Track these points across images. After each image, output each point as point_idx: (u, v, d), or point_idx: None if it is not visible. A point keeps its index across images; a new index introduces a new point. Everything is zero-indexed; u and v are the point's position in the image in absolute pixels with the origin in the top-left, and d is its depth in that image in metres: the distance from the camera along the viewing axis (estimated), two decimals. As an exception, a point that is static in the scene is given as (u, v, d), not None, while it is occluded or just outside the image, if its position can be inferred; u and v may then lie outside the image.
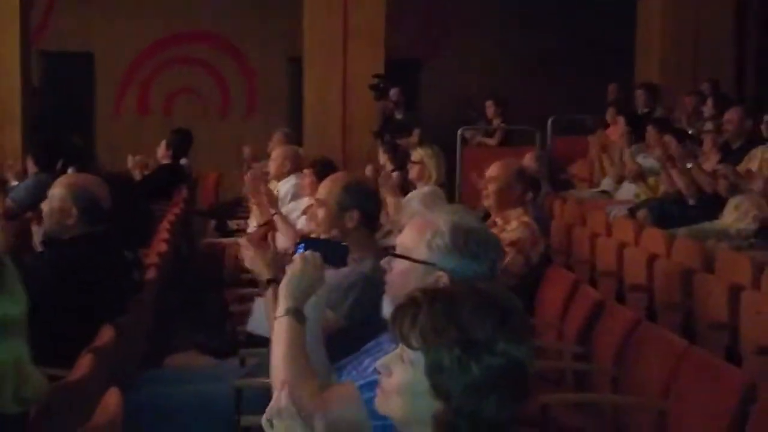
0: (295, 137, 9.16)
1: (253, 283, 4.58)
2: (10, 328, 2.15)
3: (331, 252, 2.73)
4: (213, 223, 8.21)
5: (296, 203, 6.42)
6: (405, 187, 6.86)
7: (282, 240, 5.15)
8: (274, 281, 3.07)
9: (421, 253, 2.39)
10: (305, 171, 6.30)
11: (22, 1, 10.46)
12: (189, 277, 6.36)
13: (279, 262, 3.18)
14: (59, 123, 10.83)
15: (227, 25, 13.28)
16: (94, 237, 3.96)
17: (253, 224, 6.26)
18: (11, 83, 10.40)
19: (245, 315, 4.63)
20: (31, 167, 7.63)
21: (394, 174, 7.11)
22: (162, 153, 8.53)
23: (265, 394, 2.42)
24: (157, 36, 13.25)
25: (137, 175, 8.35)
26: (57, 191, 3.98)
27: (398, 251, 2.45)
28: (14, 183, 7.98)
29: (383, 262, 2.50)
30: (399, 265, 2.43)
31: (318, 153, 7.82)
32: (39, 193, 7.10)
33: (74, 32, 12.87)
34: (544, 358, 4.32)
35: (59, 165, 7.71)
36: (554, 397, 3.86)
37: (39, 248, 4.36)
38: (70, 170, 7.53)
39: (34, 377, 2.18)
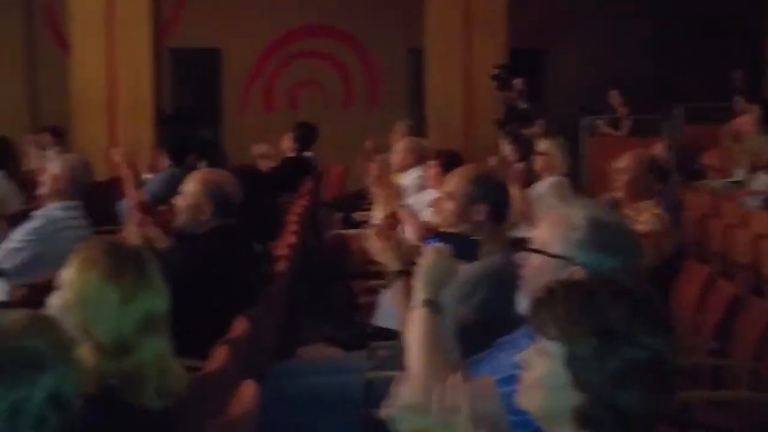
0: (418, 128, 9.17)
1: (380, 275, 4.59)
2: (154, 324, 2.20)
3: (461, 246, 2.72)
4: (338, 214, 8.28)
5: (420, 195, 6.40)
6: (529, 179, 6.78)
7: (408, 232, 5.14)
8: (403, 273, 3.07)
9: (557, 247, 2.35)
10: (430, 162, 6.28)
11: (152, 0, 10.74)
12: (316, 269, 6.42)
13: (407, 255, 3.17)
14: (189, 118, 11.10)
15: (349, 17, 13.36)
16: (226, 231, 4.04)
17: (377, 216, 6.27)
18: (143, 80, 10.69)
19: (373, 307, 4.65)
20: (164, 161, 7.84)
21: (519, 165, 7.02)
22: (287, 146, 8.65)
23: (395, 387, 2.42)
24: (282, 31, 13.43)
25: (262, 166, 8.48)
26: (191, 187, 4.07)
27: (533, 246, 2.42)
28: (147, 176, 8.20)
29: (517, 257, 2.47)
30: (534, 259, 2.39)
31: (441, 144, 7.80)
32: (172, 187, 7.29)
33: (202, 29, 13.15)
34: (680, 354, 4.21)
35: (190, 159, 7.91)
36: (694, 395, 3.76)
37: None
38: (200, 164, 7.71)
39: (175, 371, 2.23)
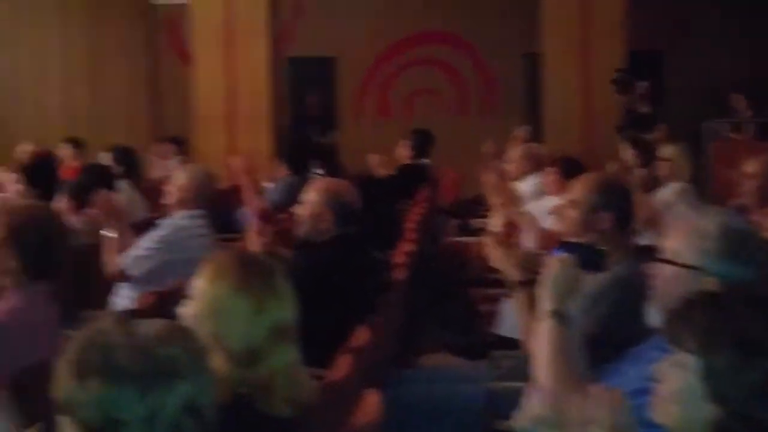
0: (534, 134, 9.08)
1: (500, 283, 4.55)
2: (283, 333, 2.23)
3: (588, 256, 2.67)
4: (455, 222, 8.26)
5: (539, 202, 6.34)
6: (652, 185, 6.64)
7: (527, 239, 5.10)
8: (525, 283, 3.04)
9: (689, 257, 2.30)
10: (548, 169, 6.21)
11: (270, 9, 10.91)
12: (433, 277, 6.41)
13: (528, 263, 3.14)
14: (306, 127, 11.23)
15: (463, 23, 13.34)
16: (346, 239, 4.07)
17: (495, 223, 6.23)
18: (261, 90, 10.87)
19: (493, 316, 4.62)
20: (282, 170, 7.95)
21: (641, 171, 6.89)
22: (403, 153, 8.68)
23: (519, 398, 2.40)
24: (396, 38, 13.49)
25: (379, 175, 8.51)
26: (312, 196, 4.11)
27: (663, 256, 2.37)
28: (266, 185, 8.33)
29: (646, 267, 2.42)
30: (665, 270, 2.34)
31: (558, 150, 7.71)
32: (290, 195, 7.41)
33: (318, 38, 13.30)
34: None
35: (308, 167, 8.01)
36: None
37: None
38: (318, 172, 7.79)
39: (304, 380, 2.25)
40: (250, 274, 2.28)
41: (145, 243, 4.97)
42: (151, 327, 1.64)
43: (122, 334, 1.60)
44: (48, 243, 3.22)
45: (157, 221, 5.36)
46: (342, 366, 3.07)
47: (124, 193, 6.85)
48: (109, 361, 1.57)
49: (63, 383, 1.59)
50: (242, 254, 2.37)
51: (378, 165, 8.61)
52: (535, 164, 6.82)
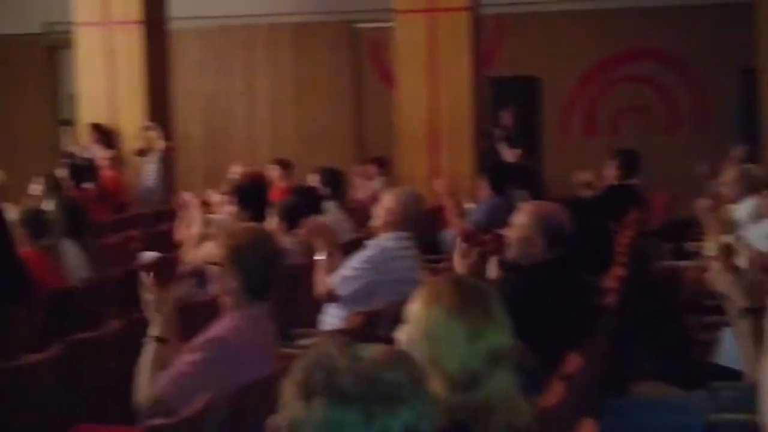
0: (751, 154, 8.68)
1: (718, 309, 4.35)
2: (500, 358, 2.19)
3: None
4: (667, 245, 7.99)
5: (757, 226, 6.05)
6: None
7: (743, 266, 4.86)
8: (752, 310, 2.88)
9: None
10: (766, 192, 5.92)
11: (472, 30, 10.93)
12: (646, 302, 6.21)
13: (754, 290, 2.98)
14: (508, 147, 11.14)
15: (675, 39, 12.93)
16: (556, 263, 3.98)
17: (710, 247, 5.98)
18: (464, 111, 10.88)
19: (710, 344, 4.41)
20: (485, 190, 7.92)
21: None
22: (611, 173, 8.47)
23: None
24: (602, 55, 13.22)
25: (584, 194, 8.35)
26: (523, 219, 4.05)
27: None
28: (469, 206, 8.32)
29: None
30: None
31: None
32: (494, 216, 7.39)
33: (521, 57, 13.22)
34: None
35: (511, 188, 7.94)
36: None
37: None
38: (521, 194, 7.72)
39: (521, 406, 2.20)
40: (465, 298, 2.25)
41: (353, 263, 5.04)
42: (374, 351, 1.64)
43: (346, 357, 1.61)
44: (267, 264, 3.31)
45: (364, 242, 5.43)
46: (555, 393, 3.00)
47: (331, 214, 7.00)
48: (333, 384, 1.58)
49: (289, 403, 1.61)
50: (457, 278, 2.34)
51: (584, 185, 8.44)
52: (751, 186, 6.51)
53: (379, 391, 1.58)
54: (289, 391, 1.61)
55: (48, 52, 14.64)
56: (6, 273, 5.15)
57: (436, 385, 2.14)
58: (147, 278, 3.31)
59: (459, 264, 4.37)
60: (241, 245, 3.30)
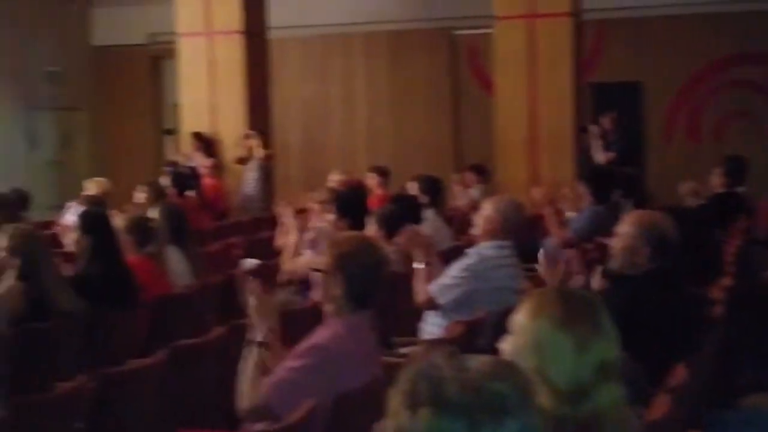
0: None
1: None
2: (608, 370, 2.15)
3: None
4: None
5: None
6: None
7: None
8: None
9: None
10: None
11: (573, 36, 10.79)
12: (753, 313, 6.05)
13: None
14: (605, 149, 10.96)
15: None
16: (662, 273, 3.91)
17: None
18: (564, 117, 10.75)
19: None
20: (586, 198, 7.80)
21: None
22: (717, 181, 8.27)
23: None
24: (707, 60, 12.91)
25: (689, 204, 8.16)
26: (627, 229, 3.99)
27: None
28: (570, 214, 8.21)
29: None
30: None
31: None
32: (595, 225, 7.27)
33: (622, 63, 13.02)
34: None
35: (614, 197, 7.81)
36: None
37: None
38: (624, 203, 7.59)
39: (630, 419, 2.16)
40: (572, 309, 2.21)
41: (453, 272, 5.01)
42: (481, 361, 1.63)
43: (453, 367, 1.61)
44: (371, 273, 3.33)
45: (463, 250, 5.40)
46: (661, 405, 2.94)
47: (429, 222, 6.98)
48: (439, 394, 1.58)
49: (394, 412, 1.61)
50: (563, 289, 2.30)
51: (689, 194, 8.26)
52: None
53: (485, 401, 1.57)
54: (394, 400, 1.62)
55: (152, 63, 15.00)
56: (112, 279, 5.27)
57: (543, 398, 2.10)
58: (251, 284, 3.34)
59: (547, 275, 4.34)
60: (346, 253, 3.31)
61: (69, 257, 5.78)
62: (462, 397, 1.56)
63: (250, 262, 7.00)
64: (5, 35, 13.23)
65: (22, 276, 4.85)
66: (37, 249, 4.99)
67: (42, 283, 4.87)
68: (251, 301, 3.30)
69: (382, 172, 9.66)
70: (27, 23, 13.61)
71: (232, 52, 11.64)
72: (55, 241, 7.71)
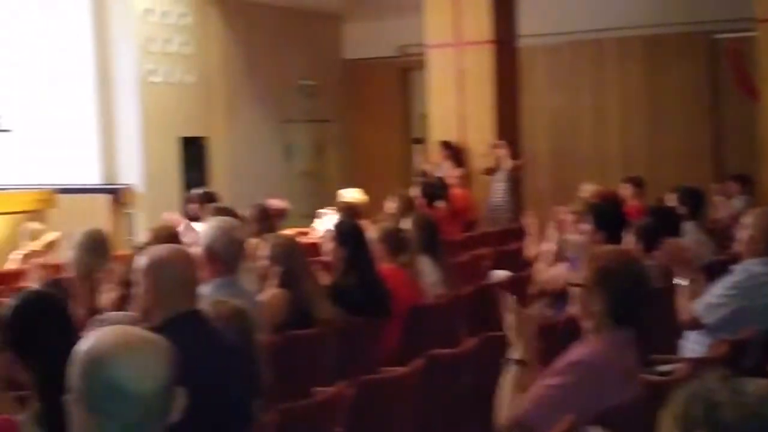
0: None
1: None
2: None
3: None
4: None
5: None
6: None
7: None
8: None
9: None
10: None
11: None
12: None
13: None
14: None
15: None
16: None
17: None
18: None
19: None
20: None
21: None
22: None
23: None
24: None
25: None
26: None
27: None
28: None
29: None
30: None
31: None
32: None
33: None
34: None
35: None
36: None
37: None
38: None
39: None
40: None
41: (718, 290, 4.75)
42: (757, 385, 1.58)
43: (728, 390, 1.57)
44: (634, 289, 3.21)
45: (726, 265, 5.11)
46: None
47: (689, 235, 6.66)
48: (715, 418, 1.54)
49: None
50: None
51: None
52: None
53: (761, 427, 1.51)
54: (666, 423, 1.59)
55: (401, 74, 15.28)
56: (367, 289, 5.35)
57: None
58: (508, 299, 3.27)
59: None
60: (609, 268, 3.20)
61: (326, 266, 5.92)
62: (740, 422, 1.51)
63: (501, 274, 6.94)
64: (263, 53, 13.85)
65: (283, 284, 5.00)
66: (296, 258, 5.14)
67: (302, 292, 5.01)
68: (510, 319, 3.23)
69: (637, 183, 9.35)
70: (282, 40, 14.20)
71: (481, 62, 11.65)
72: (311, 250, 7.94)
